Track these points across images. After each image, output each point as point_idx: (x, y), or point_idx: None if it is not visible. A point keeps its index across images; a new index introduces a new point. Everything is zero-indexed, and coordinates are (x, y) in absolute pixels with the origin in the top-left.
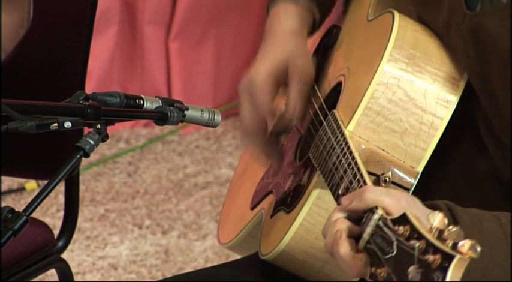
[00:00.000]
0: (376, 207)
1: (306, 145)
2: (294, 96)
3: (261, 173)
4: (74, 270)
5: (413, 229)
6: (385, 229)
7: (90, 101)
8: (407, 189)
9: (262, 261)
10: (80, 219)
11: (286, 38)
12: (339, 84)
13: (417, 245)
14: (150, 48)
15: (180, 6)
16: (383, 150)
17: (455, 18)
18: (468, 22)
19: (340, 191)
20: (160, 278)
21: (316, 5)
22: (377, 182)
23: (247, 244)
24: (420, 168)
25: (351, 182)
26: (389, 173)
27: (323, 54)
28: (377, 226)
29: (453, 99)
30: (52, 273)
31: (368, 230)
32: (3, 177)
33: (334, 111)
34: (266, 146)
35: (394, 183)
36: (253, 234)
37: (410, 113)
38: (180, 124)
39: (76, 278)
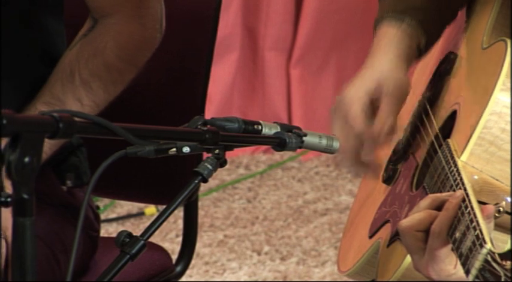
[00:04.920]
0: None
1: (421, 174)
2: (384, 111)
3: (380, 200)
4: None
5: None
6: (494, 264)
7: (209, 126)
8: None
9: None
10: (198, 245)
11: (380, 60)
12: (454, 112)
13: None
14: (270, 74)
15: (301, 33)
16: (497, 180)
17: None
18: None
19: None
20: None
21: (423, 30)
22: None
23: (365, 272)
24: None
25: (462, 214)
26: (503, 202)
27: (440, 80)
28: (485, 261)
29: None
30: None
31: (477, 265)
32: (123, 202)
33: (449, 140)
34: (361, 163)
35: (508, 213)
36: (371, 262)
37: None
38: (299, 150)
39: None
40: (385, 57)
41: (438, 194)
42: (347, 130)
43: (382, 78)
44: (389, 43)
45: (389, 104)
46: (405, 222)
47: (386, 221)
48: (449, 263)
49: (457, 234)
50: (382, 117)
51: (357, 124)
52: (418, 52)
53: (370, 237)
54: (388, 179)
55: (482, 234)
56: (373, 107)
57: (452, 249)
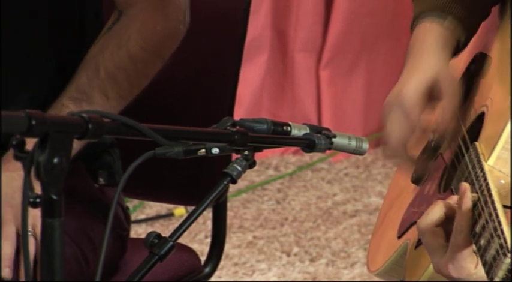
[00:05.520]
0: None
1: (450, 176)
2: (448, 109)
3: (409, 201)
4: None
5: None
6: None
7: (238, 127)
8: None
9: None
10: (228, 246)
11: (431, 56)
12: (483, 114)
13: None
14: (300, 75)
15: (331, 34)
16: None
17: None
18: None
19: (477, 229)
20: None
21: (463, 27)
22: None
23: (394, 272)
24: None
25: (487, 221)
26: None
27: (469, 81)
28: (509, 270)
29: None
30: None
31: (500, 274)
32: (152, 203)
33: (476, 143)
34: (412, 161)
35: None
36: (399, 263)
37: None
38: (329, 152)
39: None
40: (433, 52)
41: (447, 201)
42: (403, 119)
43: (440, 76)
44: (435, 38)
45: (452, 102)
46: (422, 220)
47: (415, 222)
48: (470, 262)
49: (482, 242)
50: (447, 115)
51: (414, 112)
52: (457, 49)
53: (399, 237)
54: (417, 180)
55: (506, 242)
56: (428, 103)
57: (474, 252)
